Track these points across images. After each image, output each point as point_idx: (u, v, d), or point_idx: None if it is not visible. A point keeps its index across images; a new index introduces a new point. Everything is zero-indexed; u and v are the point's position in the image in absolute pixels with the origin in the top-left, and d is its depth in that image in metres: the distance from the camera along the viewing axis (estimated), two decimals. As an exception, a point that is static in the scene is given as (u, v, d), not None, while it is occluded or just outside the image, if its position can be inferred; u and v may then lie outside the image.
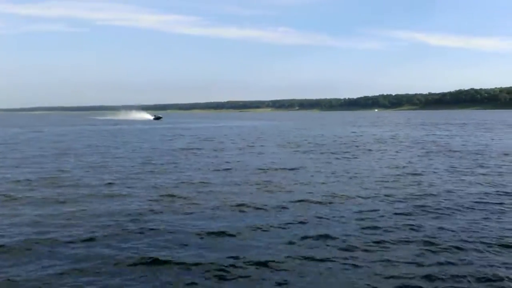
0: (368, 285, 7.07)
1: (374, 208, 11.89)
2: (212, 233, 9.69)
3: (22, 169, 19.84)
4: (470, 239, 9.17)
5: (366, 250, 8.57)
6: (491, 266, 7.77)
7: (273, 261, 8.00)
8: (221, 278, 7.37)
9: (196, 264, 7.88)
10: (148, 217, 11.10)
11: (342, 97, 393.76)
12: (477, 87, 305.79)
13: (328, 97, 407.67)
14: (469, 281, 7.16)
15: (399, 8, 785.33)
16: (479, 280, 7.21)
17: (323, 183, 16.01)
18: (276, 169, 19.46)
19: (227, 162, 22.20)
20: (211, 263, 7.91)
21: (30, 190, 14.60)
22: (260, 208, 11.94)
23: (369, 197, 13.28)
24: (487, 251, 8.52)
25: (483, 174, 17.70)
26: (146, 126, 71.08)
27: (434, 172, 18.35)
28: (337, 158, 23.88)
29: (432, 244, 8.88)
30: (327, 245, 8.89)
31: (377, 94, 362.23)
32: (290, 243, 9.03)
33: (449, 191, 14.08)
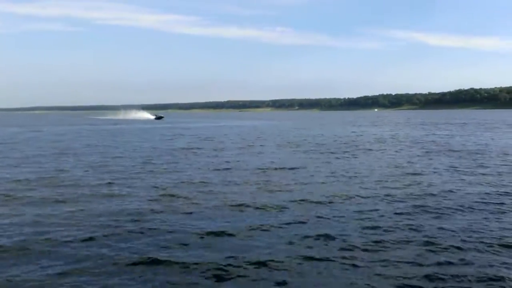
0: (368, 285, 7.06)
1: (374, 208, 11.88)
2: (212, 233, 9.67)
3: (22, 168, 19.81)
4: (470, 239, 9.16)
5: (366, 250, 8.56)
6: (491, 266, 7.76)
7: (273, 261, 7.98)
8: (221, 278, 7.36)
9: (196, 264, 7.86)
10: (148, 217, 11.08)
11: (342, 97, 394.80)
12: (476, 86, 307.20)
13: (328, 97, 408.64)
14: (469, 281, 7.15)
15: (398, 8, 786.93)
16: (479, 280, 7.20)
17: (323, 183, 16.00)
18: (276, 169, 19.45)
19: (227, 161, 22.19)
20: (211, 263, 7.90)
21: (30, 190, 14.56)
22: (260, 208, 11.93)
23: (369, 197, 13.27)
24: (487, 251, 8.51)
25: (483, 174, 17.69)
26: (146, 126, 71.05)
27: (434, 172, 18.34)
28: (337, 158, 23.88)
29: (432, 244, 8.87)
30: (327, 245, 8.88)
31: (376, 94, 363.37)
32: (290, 243, 9.02)
33: (449, 191, 14.07)
